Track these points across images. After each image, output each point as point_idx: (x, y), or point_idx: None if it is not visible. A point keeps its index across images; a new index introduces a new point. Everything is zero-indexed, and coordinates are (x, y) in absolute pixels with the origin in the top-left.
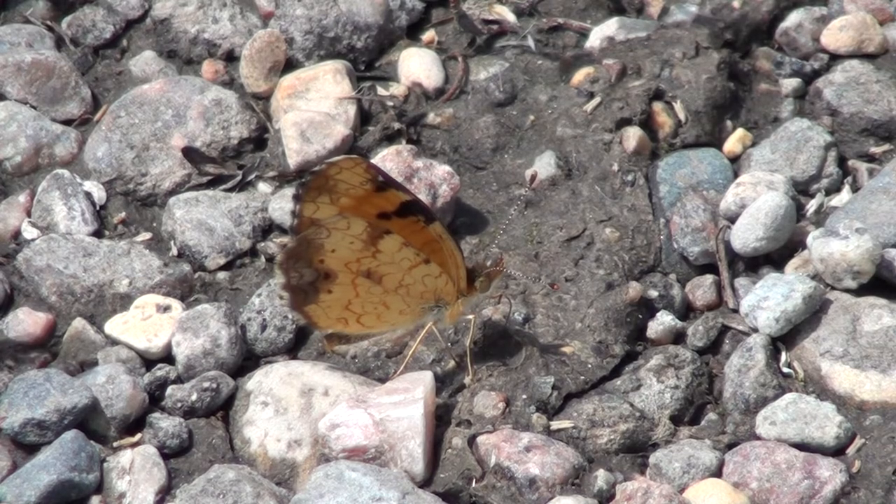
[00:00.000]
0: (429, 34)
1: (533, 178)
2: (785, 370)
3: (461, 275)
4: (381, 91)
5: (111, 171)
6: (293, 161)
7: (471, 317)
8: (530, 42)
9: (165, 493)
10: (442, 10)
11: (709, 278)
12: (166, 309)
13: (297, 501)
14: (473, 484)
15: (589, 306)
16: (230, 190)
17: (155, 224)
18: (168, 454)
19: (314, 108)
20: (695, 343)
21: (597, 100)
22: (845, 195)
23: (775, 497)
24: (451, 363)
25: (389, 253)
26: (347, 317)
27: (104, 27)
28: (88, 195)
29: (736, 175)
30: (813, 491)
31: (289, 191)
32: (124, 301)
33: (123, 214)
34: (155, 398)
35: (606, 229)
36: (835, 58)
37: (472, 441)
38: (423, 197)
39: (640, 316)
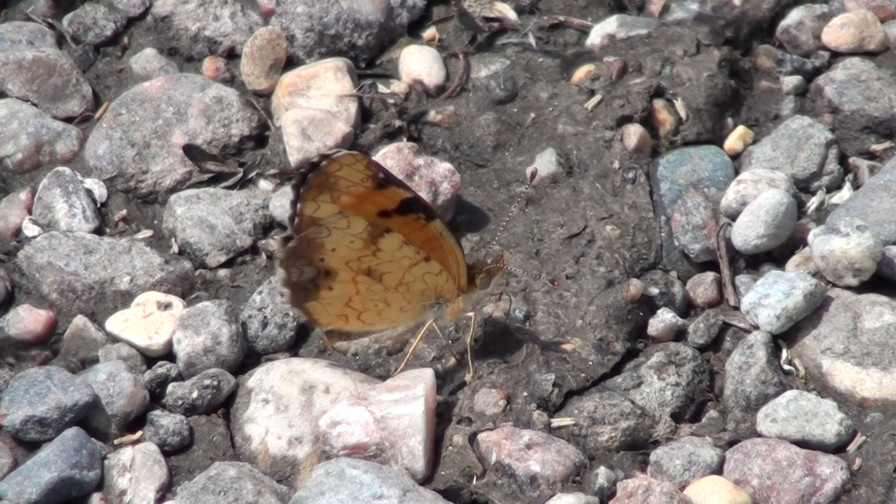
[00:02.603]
0: (430, 32)
1: (533, 175)
2: (786, 367)
3: (462, 272)
4: (381, 89)
5: (112, 169)
6: (294, 159)
7: (471, 314)
8: (531, 40)
9: (166, 490)
10: (443, 8)
11: (710, 276)
12: (167, 306)
13: (297, 499)
14: (474, 481)
15: (590, 303)
16: (231, 187)
17: (156, 221)
18: (169, 451)
19: (315, 106)
20: (696, 340)
21: (598, 97)
22: (846, 192)
23: (776, 494)
24: (452, 360)
25: (390, 251)
26: (348, 314)
27: (105, 25)
28: (89, 192)
29: (737, 172)
30: (814, 488)
31: (289, 188)
32: (125, 298)
33: (124, 212)
34: (156, 395)
35: (607, 227)
36: (836, 55)
37: (472, 438)
38: (424, 194)
39: (641, 313)
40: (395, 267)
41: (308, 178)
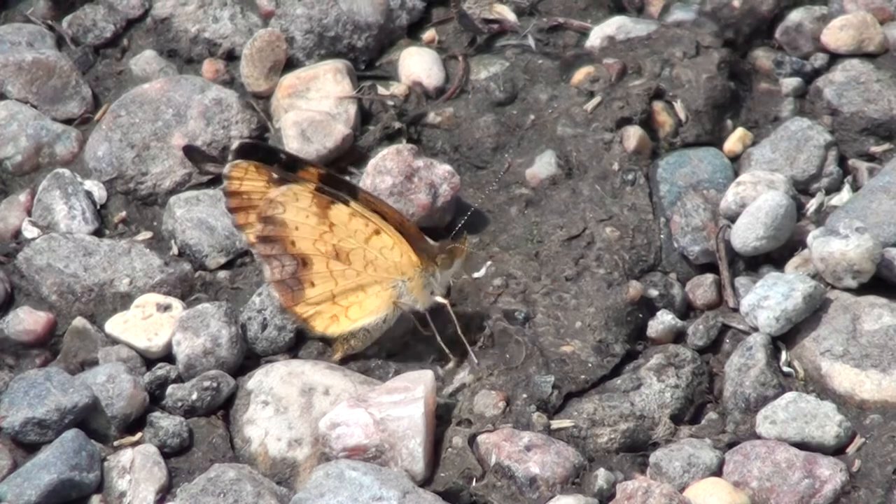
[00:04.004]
0: (429, 33)
1: (510, 165)
2: (785, 369)
3: (415, 248)
4: (381, 90)
5: (112, 171)
6: None
7: (443, 301)
8: (531, 41)
9: (166, 492)
10: (442, 10)
11: (709, 277)
12: (167, 308)
13: (297, 501)
14: (474, 483)
15: (589, 305)
16: None
17: (155, 223)
18: (168, 453)
19: (314, 108)
20: (695, 342)
21: (597, 99)
22: (845, 194)
23: (776, 496)
24: (451, 363)
25: (342, 225)
26: (336, 312)
27: (105, 26)
28: (89, 194)
29: (736, 174)
30: (813, 490)
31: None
32: (125, 300)
33: (124, 213)
34: (155, 397)
35: (607, 228)
36: (835, 57)
37: (472, 440)
38: (424, 196)
39: (641, 315)
40: (354, 242)
41: (226, 207)
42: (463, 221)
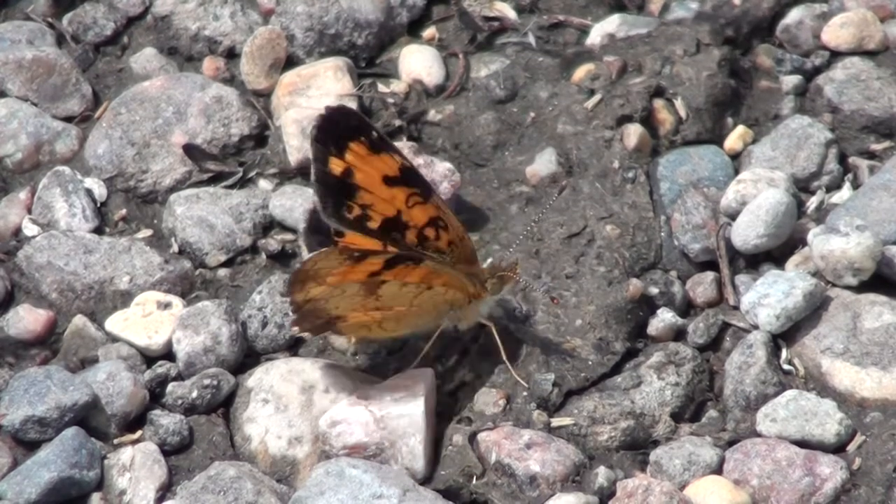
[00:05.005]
0: (429, 31)
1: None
2: (785, 367)
3: (473, 281)
4: (381, 88)
5: (112, 168)
6: (294, 158)
7: (489, 324)
8: (531, 39)
9: (166, 490)
10: (443, 7)
11: (709, 275)
12: (167, 306)
13: (297, 499)
14: (474, 481)
15: (590, 303)
16: (231, 187)
17: (156, 221)
18: (169, 451)
19: (315, 105)
20: (695, 340)
21: (597, 97)
22: (846, 192)
23: (776, 494)
24: (453, 360)
25: (391, 294)
26: (370, 324)
27: (105, 24)
28: (89, 192)
29: (737, 172)
30: (813, 488)
31: (289, 188)
32: (125, 298)
33: (124, 211)
34: (155, 395)
35: (607, 226)
36: (835, 55)
37: (472, 438)
38: None
39: (641, 313)
40: (401, 301)
41: (289, 280)
42: (513, 248)
